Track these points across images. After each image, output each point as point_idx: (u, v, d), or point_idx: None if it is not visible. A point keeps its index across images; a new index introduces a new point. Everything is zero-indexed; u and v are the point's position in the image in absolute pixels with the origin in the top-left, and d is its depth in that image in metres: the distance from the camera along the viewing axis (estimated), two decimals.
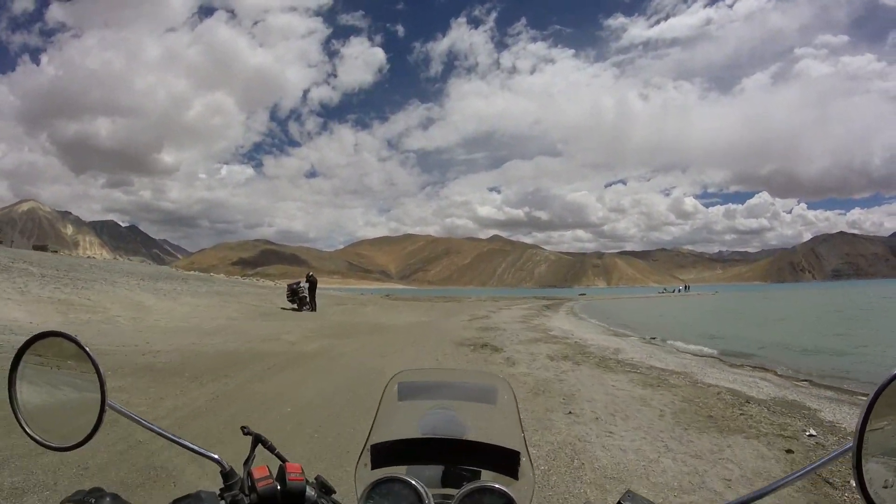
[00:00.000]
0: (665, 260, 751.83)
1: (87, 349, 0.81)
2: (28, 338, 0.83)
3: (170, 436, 0.83)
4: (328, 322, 15.54)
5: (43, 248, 36.11)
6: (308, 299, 19.13)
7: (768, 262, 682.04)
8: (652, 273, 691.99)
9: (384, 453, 1.00)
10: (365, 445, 1.01)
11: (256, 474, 0.82)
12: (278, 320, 15.38)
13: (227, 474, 0.83)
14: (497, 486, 0.90)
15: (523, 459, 0.99)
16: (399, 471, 0.96)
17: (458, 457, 1.01)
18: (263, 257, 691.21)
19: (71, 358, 0.83)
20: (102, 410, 0.78)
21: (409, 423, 1.08)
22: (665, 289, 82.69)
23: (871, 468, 0.67)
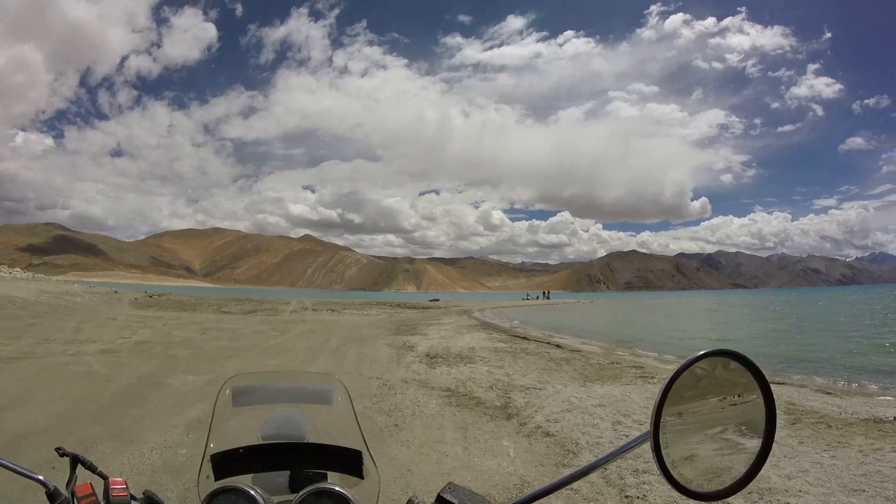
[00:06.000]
0: (472, 268, 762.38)
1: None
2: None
3: None
4: None
5: None
6: None
7: (568, 274, 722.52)
8: (460, 279, 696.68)
9: (226, 463, 0.94)
10: (204, 456, 0.95)
11: (80, 492, 0.80)
12: None
13: (51, 495, 0.81)
14: (335, 487, 0.85)
15: (366, 458, 0.97)
16: (245, 479, 0.91)
17: (302, 461, 0.97)
18: (56, 245, 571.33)
19: None
20: None
21: (248, 429, 1.03)
22: (529, 295, 77.36)
23: (671, 451, 0.70)
